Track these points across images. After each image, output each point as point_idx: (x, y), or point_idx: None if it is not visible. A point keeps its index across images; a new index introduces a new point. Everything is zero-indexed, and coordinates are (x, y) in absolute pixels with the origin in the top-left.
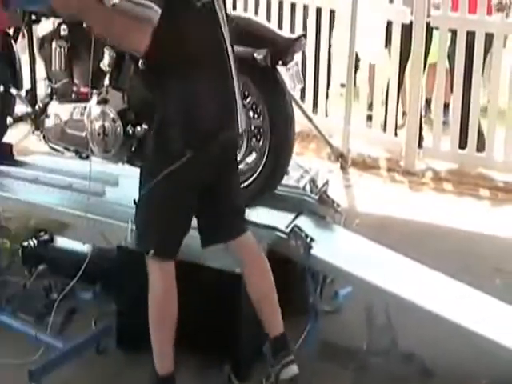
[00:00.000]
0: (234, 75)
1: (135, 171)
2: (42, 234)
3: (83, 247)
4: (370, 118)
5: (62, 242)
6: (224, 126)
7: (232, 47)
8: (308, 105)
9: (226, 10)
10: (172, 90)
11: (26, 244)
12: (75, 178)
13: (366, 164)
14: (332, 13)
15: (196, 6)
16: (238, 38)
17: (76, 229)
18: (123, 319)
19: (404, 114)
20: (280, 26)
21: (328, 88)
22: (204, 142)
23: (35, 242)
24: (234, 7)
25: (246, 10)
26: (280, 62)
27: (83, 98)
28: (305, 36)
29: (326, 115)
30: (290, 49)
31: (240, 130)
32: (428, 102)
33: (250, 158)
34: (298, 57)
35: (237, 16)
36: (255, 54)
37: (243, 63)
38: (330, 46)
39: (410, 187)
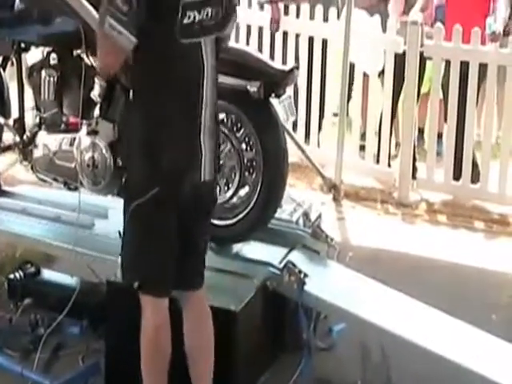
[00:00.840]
0: (207, 121)
1: None
2: (28, 266)
3: (71, 280)
4: (362, 148)
5: (48, 274)
6: (189, 168)
7: (215, 90)
8: (300, 135)
9: (218, 51)
10: (142, 122)
11: (11, 277)
12: (63, 210)
13: (359, 195)
14: (324, 42)
15: (183, 44)
16: (231, 70)
17: (63, 261)
18: (112, 356)
19: (397, 144)
20: (272, 55)
21: (321, 119)
22: (169, 180)
23: (21, 274)
24: None
25: (237, 39)
26: (273, 94)
27: (73, 129)
28: (297, 68)
29: (318, 146)
30: (283, 81)
31: (201, 179)
32: (420, 131)
33: (243, 192)
34: (290, 87)
35: (229, 47)
36: (248, 86)
37: (236, 95)
38: (322, 75)
39: (404, 219)
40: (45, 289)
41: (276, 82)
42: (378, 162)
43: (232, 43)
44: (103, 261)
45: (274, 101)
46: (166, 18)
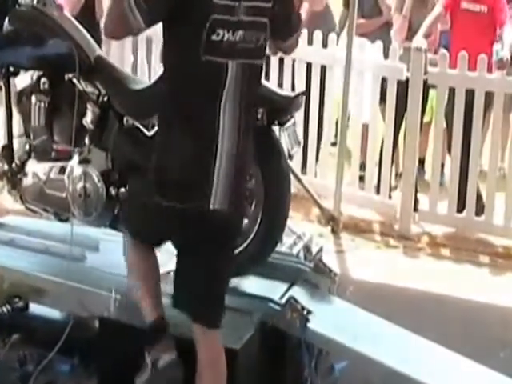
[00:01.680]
0: (224, 146)
1: (118, 235)
2: (16, 300)
3: (61, 316)
4: (361, 178)
5: (37, 309)
6: (194, 192)
7: (239, 116)
8: (296, 164)
9: (255, 81)
10: (160, 139)
11: None
12: (53, 241)
13: (358, 228)
14: (323, 68)
15: (204, 62)
16: None
17: (53, 296)
18: None
19: (397, 175)
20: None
21: (318, 149)
22: (173, 195)
23: (9, 308)
24: None
25: None
26: (276, 122)
27: (64, 157)
28: (303, 94)
29: (316, 175)
30: (287, 108)
31: (211, 207)
32: (420, 161)
33: None
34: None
35: None
36: None
37: None
38: (320, 102)
39: (405, 253)
40: (33, 324)
41: (280, 108)
42: (378, 192)
43: None
44: (95, 295)
45: (276, 129)
46: (193, 30)
